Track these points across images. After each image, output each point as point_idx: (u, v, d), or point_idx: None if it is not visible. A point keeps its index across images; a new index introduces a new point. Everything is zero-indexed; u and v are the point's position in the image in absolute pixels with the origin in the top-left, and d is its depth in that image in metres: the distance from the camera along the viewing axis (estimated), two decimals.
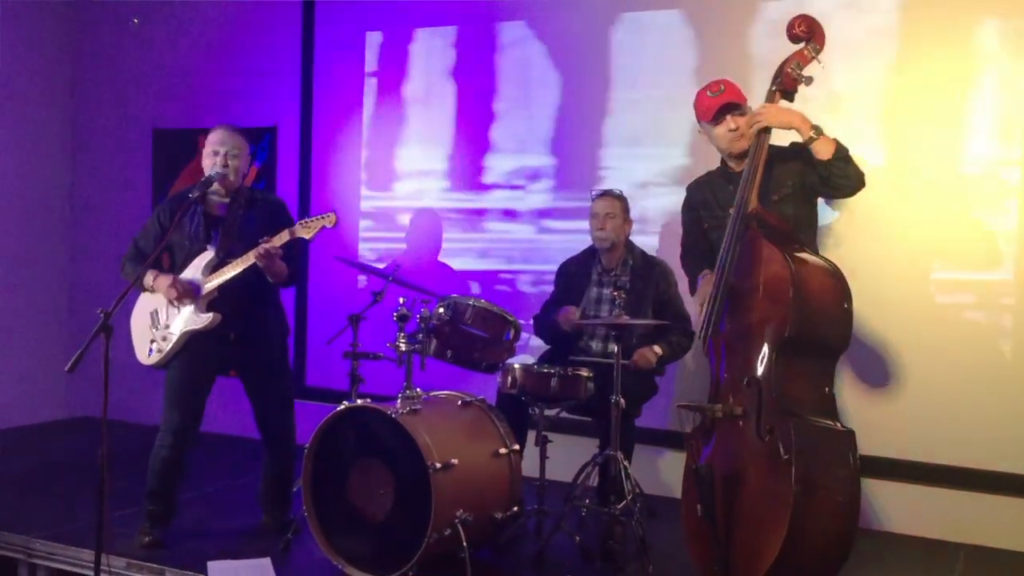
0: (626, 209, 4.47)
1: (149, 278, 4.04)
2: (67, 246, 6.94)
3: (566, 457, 4.36)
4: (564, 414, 4.21)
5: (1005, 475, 4.36)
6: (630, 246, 4.52)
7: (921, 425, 4.53)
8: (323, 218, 3.87)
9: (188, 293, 3.98)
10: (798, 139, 3.49)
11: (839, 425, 3.19)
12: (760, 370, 3.18)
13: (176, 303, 4.01)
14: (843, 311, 3.22)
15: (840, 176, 3.40)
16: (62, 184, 6.90)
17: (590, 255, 4.57)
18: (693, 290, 3.78)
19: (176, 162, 6.59)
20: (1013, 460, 4.35)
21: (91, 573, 3.62)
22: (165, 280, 4.00)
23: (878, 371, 4.58)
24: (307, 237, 3.88)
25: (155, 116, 6.66)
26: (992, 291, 4.46)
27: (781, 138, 3.57)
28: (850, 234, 4.57)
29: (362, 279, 5.88)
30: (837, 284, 3.24)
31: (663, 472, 5.06)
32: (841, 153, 3.39)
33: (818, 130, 3.39)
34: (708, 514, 3.17)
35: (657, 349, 4.29)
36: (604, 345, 4.42)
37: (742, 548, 3.13)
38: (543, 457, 4.05)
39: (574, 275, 4.58)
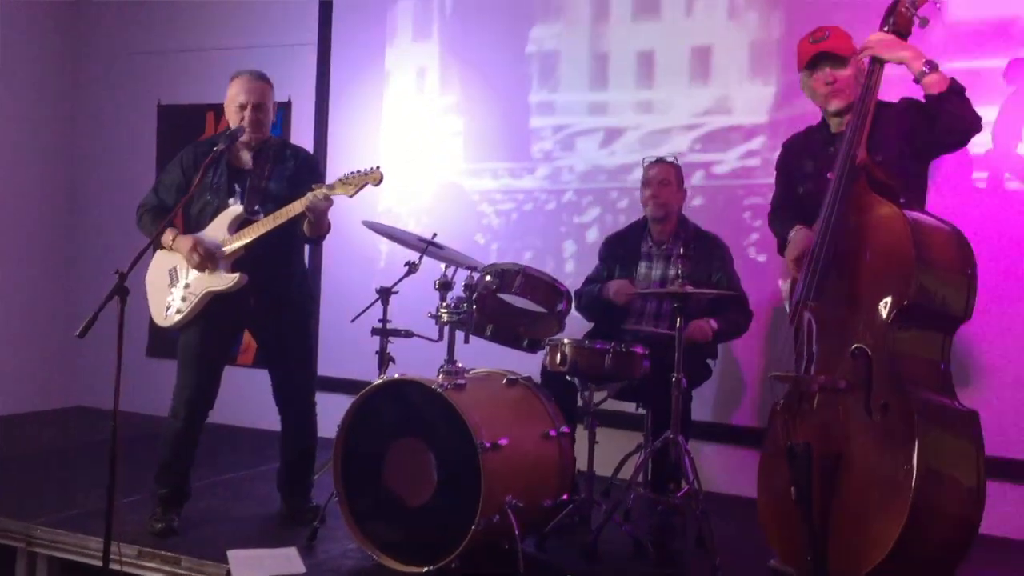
0: (680, 177, 4.16)
1: (168, 236, 3.73)
2: (66, 229, 6.58)
3: (605, 450, 3.97)
4: (605, 405, 3.87)
5: None
6: (683, 220, 4.20)
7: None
8: (367, 175, 3.54)
9: (210, 259, 3.66)
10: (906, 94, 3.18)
11: (959, 404, 2.87)
12: (870, 340, 2.85)
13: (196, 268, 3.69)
14: (967, 278, 2.90)
15: (952, 114, 3.02)
16: (62, 160, 6.54)
17: (639, 228, 4.25)
18: (782, 250, 3.44)
19: (182, 138, 6.25)
20: None
21: (98, 563, 3.26)
22: (186, 242, 3.68)
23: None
24: (349, 196, 3.55)
25: (161, 91, 6.33)
26: None
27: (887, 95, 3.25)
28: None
29: (384, 247, 5.51)
30: (961, 247, 2.92)
31: (705, 467, 4.74)
32: (956, 87, 3.03)
33: (932, 64, 3.04)
34: (803, 498, 2.83)
35: (713, 323, 3.97)
36: (656, 324, 4.09)
37: (846, 538, 2.78)
38: (592, 442, 3.72)
39: (622, 249, 4.25)
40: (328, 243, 5.46)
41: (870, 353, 2.84)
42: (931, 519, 2.69)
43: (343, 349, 5.28)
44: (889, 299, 2.84)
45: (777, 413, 3.07)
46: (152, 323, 6.16)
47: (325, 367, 5.50)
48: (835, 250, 3.00)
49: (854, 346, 2.88)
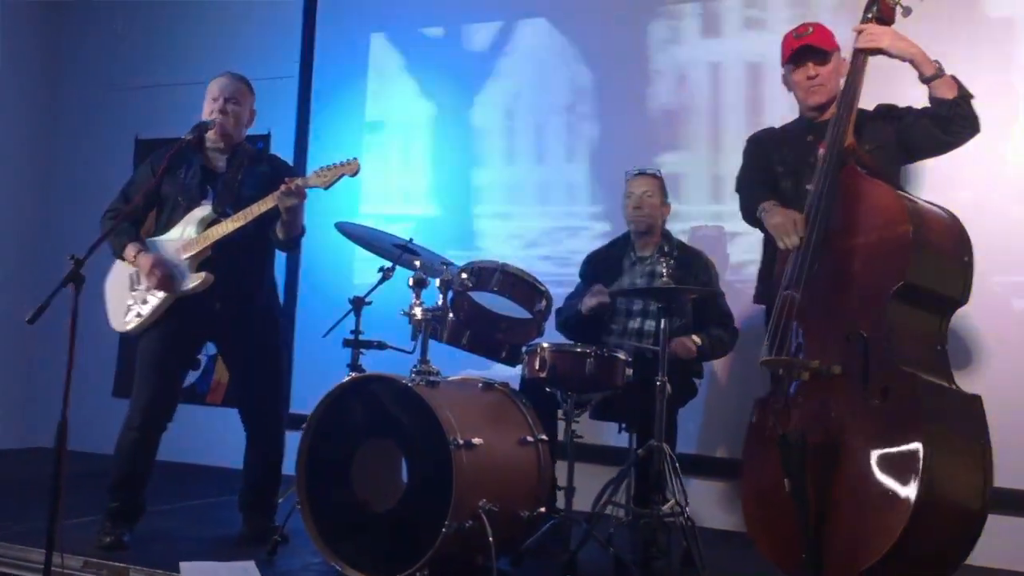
0: (663, 190, 4.06)
1: (131, 252, 3.57)
2: (39, 265, 6.37)
3: (584, 484, 3.68)
4: (586, 439, 3.67)
5: None
6: (667, 234, 4.08)
7: None
8: (343, 166, 3.40)
9: (166, 284, 3.50)
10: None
11: (958, 387, 2.72)
12: (866, 323, 2.71)
13: (152, 289, 3.53)
14: (963, 264, 2.80)
15: (962, 118, 3.00)
16: (37, 195, 6.42)
17: (622, 242, 4.12)
18: (747, 217, 3.32)
19: None
20: None
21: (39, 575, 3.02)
22: (147, 260, 3.52)
23: None
24: (324, 187, 3.41)
25: (139, 125, 6.23)
26: None
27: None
28: None
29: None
30: (958, 230, 2.84)
31: (691, 502, 4.51)
32: (964, 92, 3.00)
33: (940, 66, 2.99)
34: (797, 492, 2.64)
35: (696, 339, 3.81)
36: (639, 340, 3.92)
37: (844, 533, 2.60)
38: (572, 458, 3.51)
39: (603, 264, 4.10)
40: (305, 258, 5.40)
41: (867, 337, 2.69)
42: (937, 510, 2.52)
43: (314, 376, 5.09)
44: (886, 278, 2.72)
45: (765, 403, 2.90)
46: (119, 363, 6.07)
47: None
48: (827, 235, 2.88)
49: (850, 330, 2.73)
